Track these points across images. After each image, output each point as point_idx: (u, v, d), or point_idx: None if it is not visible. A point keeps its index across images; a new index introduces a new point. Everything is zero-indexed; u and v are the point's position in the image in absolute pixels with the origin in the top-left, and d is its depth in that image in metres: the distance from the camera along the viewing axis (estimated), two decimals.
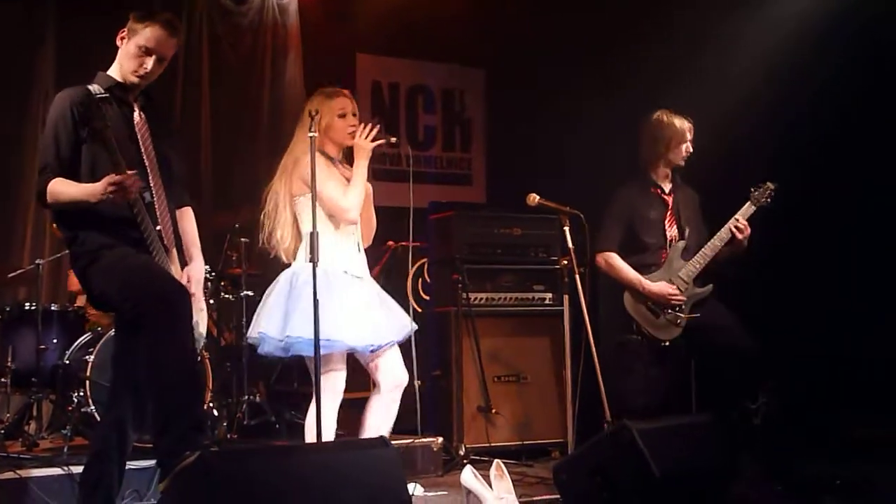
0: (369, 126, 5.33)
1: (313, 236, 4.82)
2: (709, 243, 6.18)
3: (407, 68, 9.90)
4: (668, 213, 6.35)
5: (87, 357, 6.20)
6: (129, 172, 4.38)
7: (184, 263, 4.84)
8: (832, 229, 7.17)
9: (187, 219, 4.99)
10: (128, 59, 4.67)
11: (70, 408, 6.19)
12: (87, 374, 6.13)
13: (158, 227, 4.65)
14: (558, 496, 5.05)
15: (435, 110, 10.03)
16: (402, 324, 5.38)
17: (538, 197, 6.33)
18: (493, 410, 7.08)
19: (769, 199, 6.19)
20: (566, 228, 6.30)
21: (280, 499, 3.77)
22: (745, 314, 6.21)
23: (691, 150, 6.38)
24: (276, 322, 5.19)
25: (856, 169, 7.13)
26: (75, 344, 6.45)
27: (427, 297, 7.96)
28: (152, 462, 5.54)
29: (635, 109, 7.97)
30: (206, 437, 6.11)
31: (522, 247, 7.59)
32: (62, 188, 4.48)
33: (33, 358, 6.51)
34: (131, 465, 5.12)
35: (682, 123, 6.34)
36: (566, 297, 6.44)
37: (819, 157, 7.21)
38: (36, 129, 7.67)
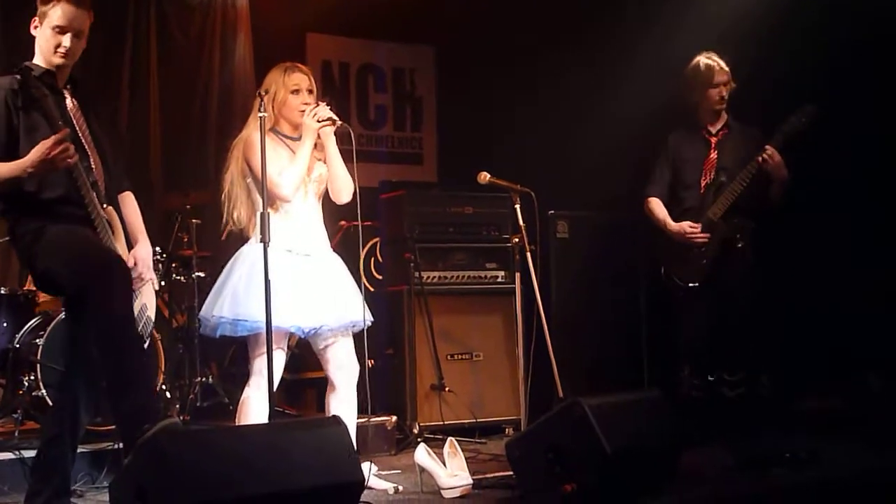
0: (317, 104, 5.26)
1: (264, 217, 4.81)
2: (737, 177, 6.19)
3: (357, 47, 9.86)
4: (710, 153, 6.40)
5: (37, 340, 6.15)
6: (65, 131, 4.38)
7: (129, 247, 4.83)
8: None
9: (129, 204, 4.99)
10: (45, 43, 4.66)
11: (20, 392, 6.13)
12: (38, 357, 6.08)
13: (106, 206, 4.64)
14: (511, 473, 5.08)
15: (386, 89, 10.00)
16: (349, 312, 5.27)
17: (489, 175, 6.34)
18: (447, 388, 7.10)
19: (805, 122, 6.12)
20: (517, 206, 6.31)
21: (233, 479, 3.77)
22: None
23: (724, 94, 6.38)
24: (210, 302, 5.20)
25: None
26: (25, 327, 6.38)
27: (380, 277, 7.97)
28: (104, 445, 5.56)
29: (587, 84, 8.03)
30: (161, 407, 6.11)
31: (474, 225, 7.59)
32: None
33: None
34: (83, 448, 5.10)
35: (710, 68, 6.36)
36: (518, 275, 6.46)
37: None
38: None
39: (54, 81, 4.68)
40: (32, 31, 4.70)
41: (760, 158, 6.11)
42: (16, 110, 4.50)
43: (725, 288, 6.24)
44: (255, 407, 5.09)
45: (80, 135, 4.68)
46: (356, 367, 5.37)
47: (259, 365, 5.11)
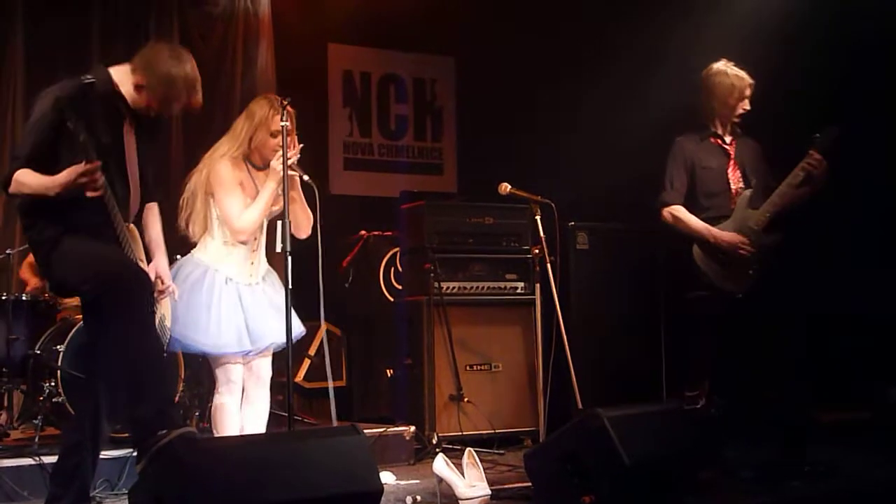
0: (291, 151, 5.26)
1: (285, 225, 4.89)
2: (778, 189, 5.88)
3: (378, 58, 9.90)
4: (731, 161, 6.11)
5: (57, 347, 6.18)
6: (96, 163, 4.33)
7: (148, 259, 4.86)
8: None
9: (153, 214, 5.01)
10: (160, 103, 4.69)
11: (41, 398, 6.16)
12: (58, 363, 6.11)
13: (129, 224, 4.67)
14: (529, 483, 5.08)
15: (406, 100, 10.03)
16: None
17: (509, 186, 6.35)
18: (465, 399, 7.09)
19: (833, 143, 5.83)
20: (537, 217, 6.32)
21: (252, 486, 3.78)
22: None
23: (748, 107, 6.09)
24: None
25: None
26: (46, 334, 6.42)
27: (399, 287, 7.97)
28: (123, 452, 5.58)
29: (607, 94, 8.02)
30: (178, 415, 6.13)
31: (494, 236, 7.58)
32: (26, 179, 4.45)
33: (4, 348, 6.46)
34: (102, 455, 5.11)
35: (741, 80, 6.05)
36: (538, 286, 6.46)
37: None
38: (4, 121, 7.69)
39: (118, 102, 4.67)
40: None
41: (809, 166, 5.81)
42: (64, 122, 4.37)
43: (766, 300, 5.90)
44: (229, 411, 5.24)
45: (125, 156, 4.68)
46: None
47: (222, 375, 5.27)
